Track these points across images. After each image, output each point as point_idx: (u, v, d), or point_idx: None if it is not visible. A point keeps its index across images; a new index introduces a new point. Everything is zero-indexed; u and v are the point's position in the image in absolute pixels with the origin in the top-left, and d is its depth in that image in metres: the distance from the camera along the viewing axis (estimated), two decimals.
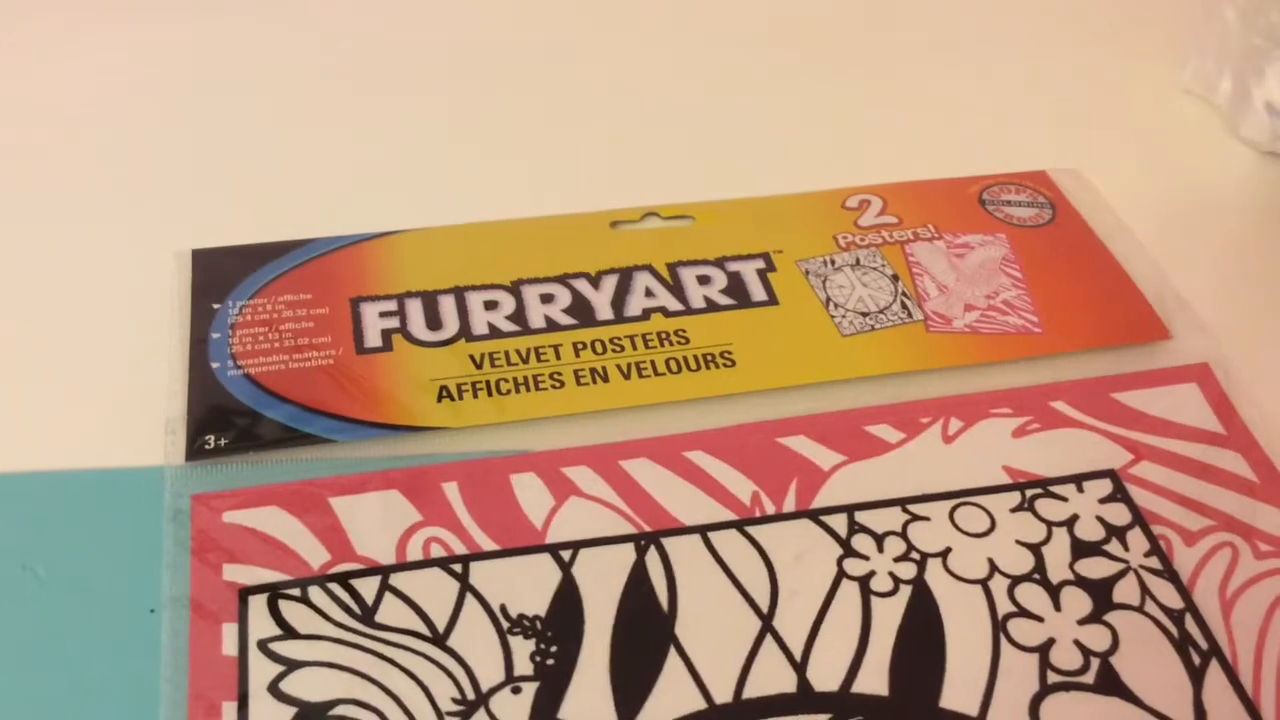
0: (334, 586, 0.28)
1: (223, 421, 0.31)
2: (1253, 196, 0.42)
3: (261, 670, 0.27)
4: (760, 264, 0.37)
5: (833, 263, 0.37)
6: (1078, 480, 0.32)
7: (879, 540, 0.30)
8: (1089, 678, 0.28)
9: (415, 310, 0.35)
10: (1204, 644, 0.28)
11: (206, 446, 0.31)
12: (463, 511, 0.30)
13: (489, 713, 0.26)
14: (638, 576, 0.29)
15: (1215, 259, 0.39)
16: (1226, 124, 0.44)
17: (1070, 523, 0.31)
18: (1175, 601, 0.29)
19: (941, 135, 0.43)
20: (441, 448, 0.32)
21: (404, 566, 0.29)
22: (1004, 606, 0.29)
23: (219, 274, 0.36)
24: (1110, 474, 0.32)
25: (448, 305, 0.35)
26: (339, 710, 0.26)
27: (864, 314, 0.35)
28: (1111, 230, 0.39)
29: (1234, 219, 0.41)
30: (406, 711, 0.26)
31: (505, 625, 0.28)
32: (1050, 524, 0.31)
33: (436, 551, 0.29)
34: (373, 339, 0.34)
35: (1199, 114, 0.45)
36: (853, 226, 0.39)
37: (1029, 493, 0.31)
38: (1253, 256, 0.39)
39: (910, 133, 0.44)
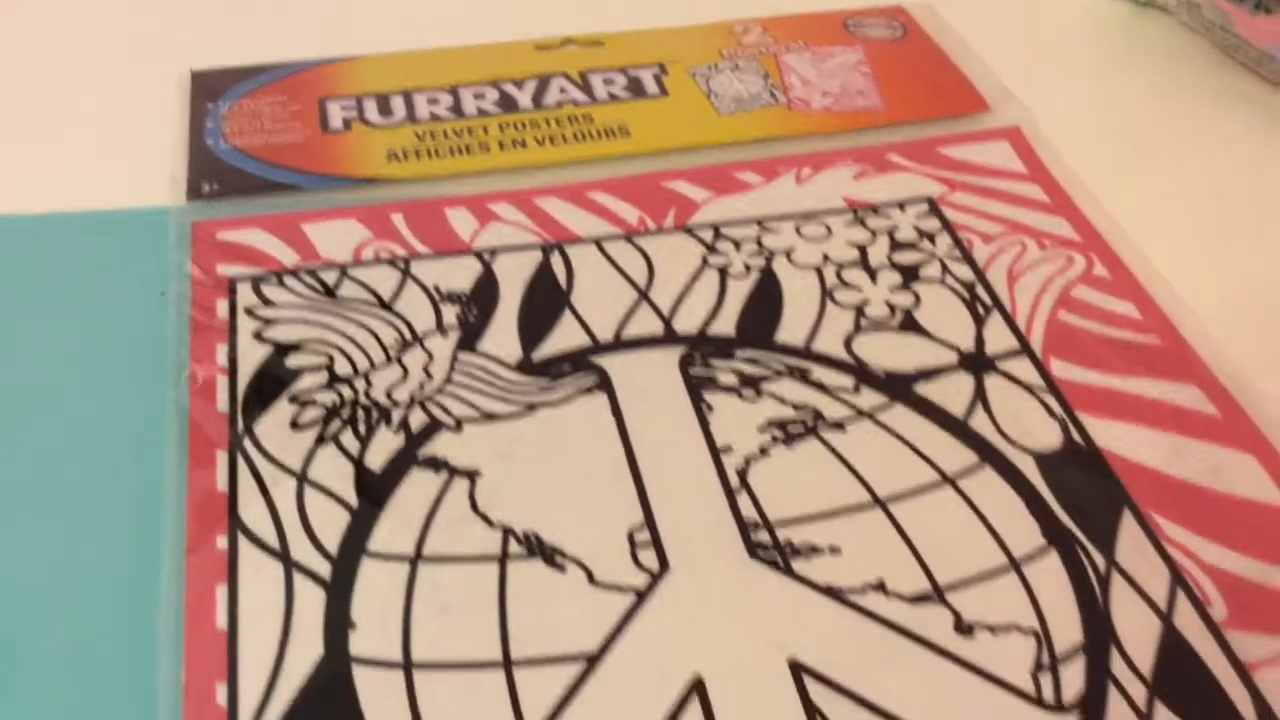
0: (303, 275, 0.36)
1: (216, 175, 0.39)
2: (1064, 18, 0.50)
3: (247, 327, 0.34)
4: (656, 71, 0.45)
5: (716, 68, 0.45)
6: (901, 204, 0.39)
7: (737, 244, 0.38)
8: (894, 323, 0.35)
9: (370, 105, 0.43)
10: (989, 301, 0.36)
11: (203, 190, 0.39)
12: (405, 231, 0.38)
13: (423, 346, 0.34)
14: (543, 269, 0.37)
15: (1034, 59, 0.47)
16: None
17: (891, 230, 0.38)
18: (969, 276, 0.37)
19: None
20: (390, 194, 0.40)
21: (358, 264, 0.37)
22: (832, 282, 0.37)
23: (214, 85, 0.44)
24: (928, 200, 0.40)
25: (397, 102, 0.43)
26: (308, 347, 0.34)
27: (738, 100, 0.43)
28: (951, 43, 0.47)
29: (1055, 36, 0.49)
30: (359, 347, 0.34)
31: (437, 297, 0.36)
32: (875, 231, 0.38)
33: (384, 255, 0.37)
34: (335, 123, 0.42)
35: None
36: (736, 45, 0.46)
37: (861, 213, 0.39)
38: (1065, 57, 0.48)
39: None
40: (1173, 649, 0.28)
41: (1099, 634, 0.28)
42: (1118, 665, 0.27)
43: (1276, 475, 0.31)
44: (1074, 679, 0.27)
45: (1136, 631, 0.28)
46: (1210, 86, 0.46)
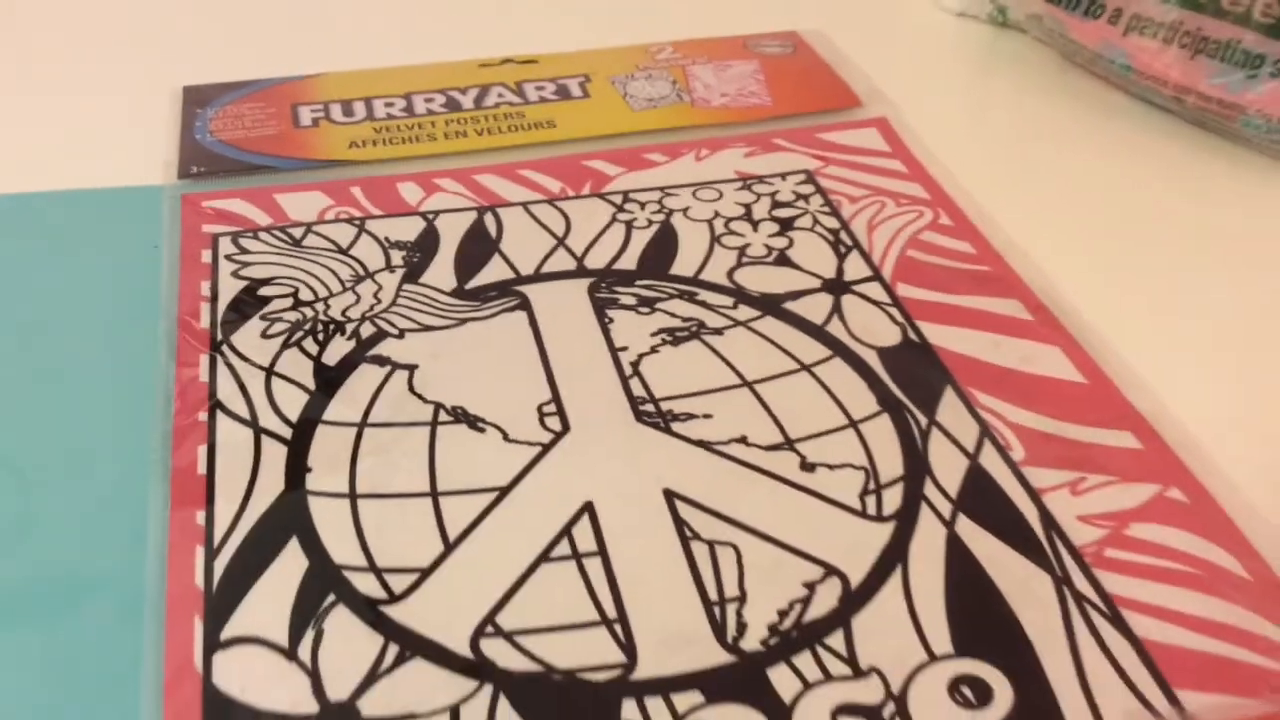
0: (275, 232, 0.43)
1: (203, 159, 0.47)
2: (937, 37, 0.58)
3: (226, 268, 0.41)
4: (581, 79, 0.53)
5: (632, 77, 0.53)
6: (783, 175, 0.47)
7: (642, 205, 0.45)
8: (770, 259, 0.42)
9: (335, 108, 0.50)
10: (850, 243, 0.43)
11: (191, 171, 0.46)
12: (362, 199, 0.45)
13: (373, 279, 0.41)
14: (478, 224, 0.44)
15: (905, 69, 0.55)
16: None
17: (773, 194, 0.46)
18: (835, 226, 0.44)
19: (697, 5, 0.59)
20: (350, 173, 0.47)
21: (321, 223, 0.43)
22: (720, 230, 0.44)
23: (203, 96, 0.51)
24: (806, 171, 0.47)
25: (358, 105, 0.50)
26: (276, 282, 0.40)
27: (650, 99, 0.51)
28: (834, 58, 0.55)
29: (925, 51, 0.57)
30: (320, 280, 0.40)
31: (387, 245, 0.42)
32: (759, 194, 0.46)
33: (344, 214, 0.44)
34: (305, 121, 0.49)
35: None
36: (651, 61, 0.54)
37: (748, 182, 0.46)
38: (931, 67, 0.55)
39: (690, 3, 0.60)
40: (976, 479, 0.34)
41: (917, 469, 0.34)
42: (930, 490, 0.33)
43: (1078, 362, 0.38)
44: (893, 500, 0.33)
45: (948, 467, 0.34)
46: (1054, 86, 0.54)
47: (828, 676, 0.29)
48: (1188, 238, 0.45)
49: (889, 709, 0.28)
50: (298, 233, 0.43)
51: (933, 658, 0.29)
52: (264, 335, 0.38)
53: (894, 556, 0.32)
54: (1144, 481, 0.34)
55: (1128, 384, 0.37)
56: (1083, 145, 0.50)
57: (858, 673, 0.29)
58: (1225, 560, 0.31)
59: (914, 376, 0.37)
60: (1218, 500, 0.33)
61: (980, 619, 0.30)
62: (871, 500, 0.33)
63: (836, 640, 0.30)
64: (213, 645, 0.29)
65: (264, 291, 0.40)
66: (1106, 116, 0.51)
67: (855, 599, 0.31)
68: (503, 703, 0.28)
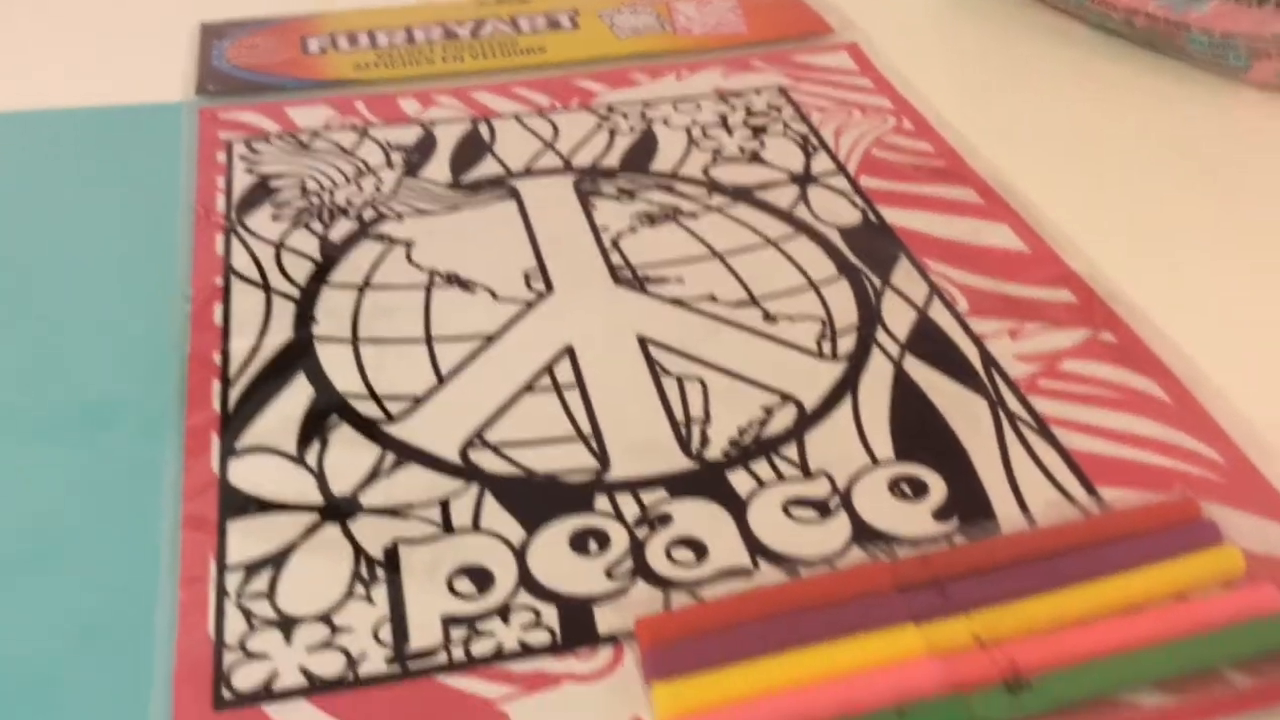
0: (285, 137, 0.46)
1: (219, 80, 0.50)
2: None
3: (240, 166, 0.44)
4: (571, 14, 0.56)
5: (618, 11, 0.56)
6: (758, 90, 0.50)
7: (625, 115, 0.48)
8: (743, 159, 0.45)
9: (341, 38, 0.54)
10: (817, 144, 0.46)
11: (209, 89, 0.49)
12: (365, 112, 0.48)
13: (375, 175, 0.44)
14: (472, 132, 0.47)
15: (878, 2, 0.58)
16: None
17: (748, 105, 0.49)
18: (805, 130, 0.47)
19: None
20: (355, 91, 0.50)
21: (327, 130, 0.47)
22: (697, 135, 0.47)
23: (220, 31, 0.55)
24: (779, 87, 0.50)
25: (363, 36, 0.54)
26: (286, 175, 0.44)
27: (634, 29, 0.54)
28: None
29: None
30: (326, 175, 0.44)
31: (388, 148, 0.46)
32: (735, 106, 0.49)
33: (349, 124, 0.47)
34: (313, 49, 0.53)
35: None
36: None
37: (726, 96, 0.50)
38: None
39: None
40: (924, 326, 0.37)
41: (869, 320, 0.37)
42: (881, 336, 0.37)
43: (1023, 236, 0.41)
44: (847, 344, 0.36)
45: (898, 318, 0.37)
46: (1016, 18, 0.57)
47: (780, 478, 0.32)
48: (1130, 138, 0.48)
49: (834, 502, 0.31)
50: (305, 138, 0.47)
51: (875, 462, 0.32)
52: (274, 219, 0.42)
53: (845, 387, 0.35)
54: (1078, 327, 0.37)
55: (1068, 252, 0.40)
56: (1039, 67, 0.53)
57: (808, 475, 0.32)
58: (1149, 387, 0.34)
59: (871, 249, 0.41)
60: (1145, 341, 0.36)
61: (920, 433, 0.33)
62: (827, 344, 0.36)
63: (790, 450, 0.33)
64: (229, 453, 0.32)
65: (274, 184, 0.44)
66: (1065, 44, 0.55)
67: (809, 419, 0.34)
68: (488, 498, 0.31)
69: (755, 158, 0.46)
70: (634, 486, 0.32)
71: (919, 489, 0.31)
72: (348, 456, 0.32)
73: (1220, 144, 0.47)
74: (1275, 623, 0.27)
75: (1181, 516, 0.29)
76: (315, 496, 0.31)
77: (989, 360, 0.36)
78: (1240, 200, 0.44)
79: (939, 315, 0.38)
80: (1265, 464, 0.32)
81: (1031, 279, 0.39)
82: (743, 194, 0.43)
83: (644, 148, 0.46)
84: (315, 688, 0.26)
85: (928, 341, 0.36)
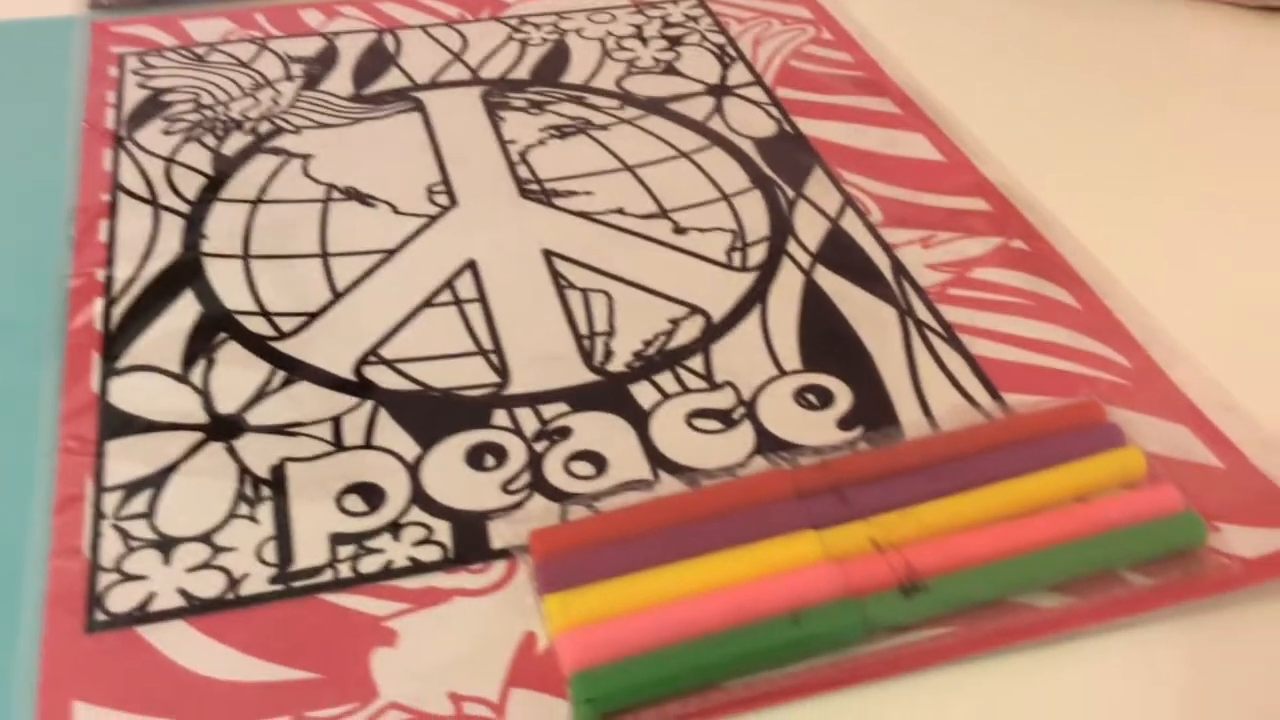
0: (180, 50, 0.44)
1: None
2: None
3: (132, 81, 0.43)
4: None
5: None
6: (675, 0, 0.49)
7: (537, 26, 0.47)
8: (658, 70, 0.44)
9: None
10: (734, 55, 0.45)
11: (102, 3, 0.47)
12: (265, 24, 0.47)
13: (273, 87, 0.42)
14: (377, 43, 0.45)
15: None
16: None
17: (665, 17, 0.48)
18: (722, 41, 0.46)
19: None
20: (255, 3, 0.48)
21: (225, 43, 0.45)
22: (612, 46, 0.45)
23: None
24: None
25: None
26: (179, 90, 0.42)
27: None
28: None
29: None
30: (221, 89, 0.42)
31: (287, 60, 0.44)
32: (651, 17, 0.48)
33: (248, 37, 0.45)
34: None
35: None
36: None
37: (641, 6, 0.48)
38: None
39: None
40: (836, 237, 0.36)
41: (781, 231, 0.36)
42: (792, 247, 0.36)
43: (939, 145, 0.40)
44: (758, 255, 0.36)
45: (810, 229, 0.36)
46: None
47: (685, 389, 0.31)
48: (1046, 45, 0.47)
49: (739, 412, 0.30)
50: (201, 51, 0.45)
51: (782, 373, 0.31)
52: (165, 133, 0.40)
53: (754, 298, 0.34)
54: (990, 235, 0.36)
55: (983, 161, 0.39)
56: None
57: (713, 386, 0.31)
58: (1058, 294, 0.34)
59: (786, 160, 0.40)
60: (1055, 247, 0.36)
61: (828, 343, 0.32)
62: (738, 255, 0.36)
63: (696, 363, 0.32)
64: (110, 373, 0.31)
65: (166, 98, 0.42)
66: None
67: (716, 331, 0.33)
68: (382, 414, 0.30)
69: (670, 69, 0.44)
70: (534, 401, 0.31)
71: (825, 398, 0.31)
72: (235, 374, 0.31)
73: (1142, 53, 0.47)
74: (1174, 522, 0.27)
75: (1085, 419, 0.29)
76: (200, 415, 0.30)
77: (900, 269, 0.35)
78: (1157, 108, 0.44)
79: (851, 225, 0.37)
80: (1171, 368, 0.32)
81: (946, 188, 0.38)
82: (656, 106, 0.42)
83: (556, 59, 0.45)
84: (194, 608, 0.25)
85: (839, 252, 0.36)
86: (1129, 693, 0.24)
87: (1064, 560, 0.25)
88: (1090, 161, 0.40)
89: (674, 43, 0.46)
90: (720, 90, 0.43)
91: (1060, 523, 0.26)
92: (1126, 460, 0.28)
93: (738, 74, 0.44)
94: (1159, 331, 0.33)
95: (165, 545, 0.27)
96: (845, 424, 0.30)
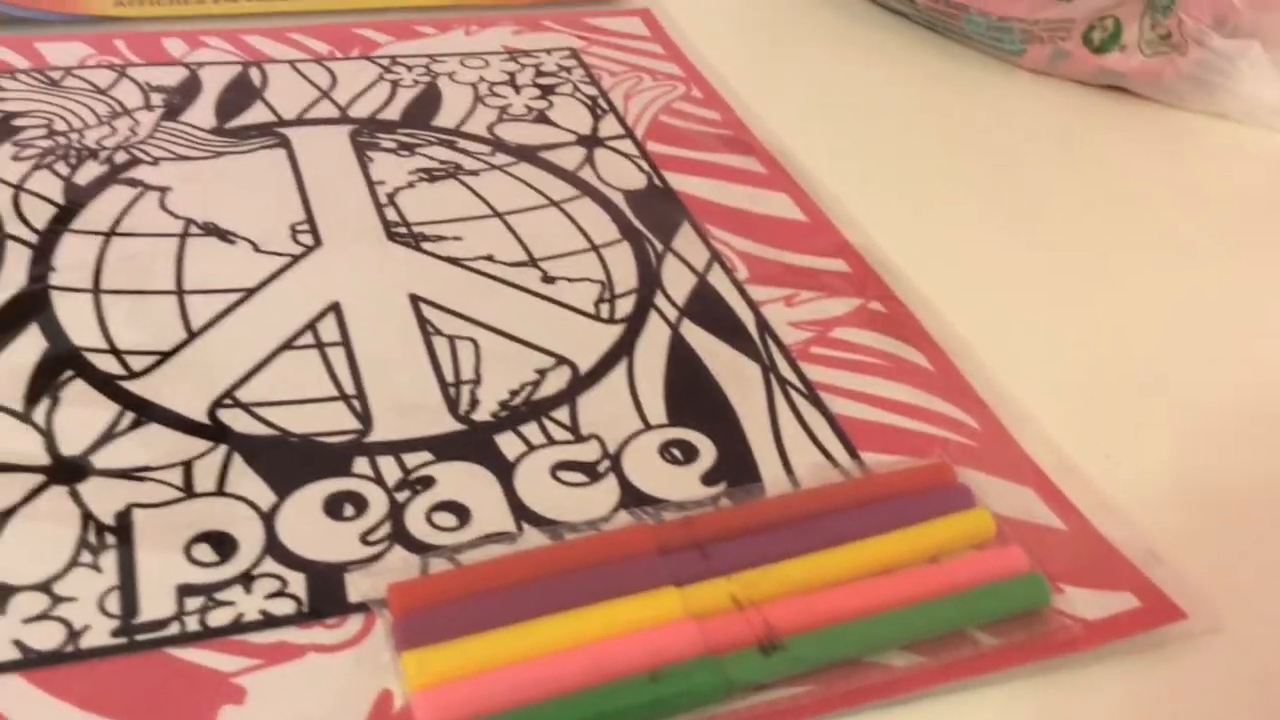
0: (33, 73, 0.43)
1: None
2: None
3: None
4: None
5: None
6: (549, 50, 0.49)
7: (409, 68, 0.46)
8: (530, 118, 0.44)
9: None
10: (606, 107, 0.46)
11: None
12: (125, 50, 0.45)
13: (131, 116, 0.41)
14: (242, 76, 0.44)
15: None
16: None
17: (538, 65, 0.48)
18: (594, 93, 0.46)
19: None
20: (116, 28, 0.47)
21: (81, 68, 0.43)
22: (484, 92, 0.45)
23: None
24: (570, 49, 0.49)
25: None
26: (31, 114, 0.40)
27: None
28: None
29: None
30: (76, 115, 0.41)
31: (147, 89, 0.43)
32: (524, 65, 0.48)
33: (106, 63, 0.44)
34: None
35: None
36: None
37: (515, 54, 0.48)
38: None
39: None
40: (703, 292, 0.37)
41: (649, 283, 0.37)
42: (660, 300, 0.36)
43: (802, 206, 0.41)
44: (626, 307, 0.36)
45: (678, 283, 0.37)
46: None
47: (550, 441, 0.31)
48: (909, 115, 0.49)
49: (604, 465, 0.30)
50: (56, 75, 0.43)
51: (648, 426, 0.32)
52: (15, 159, 0.38)
53: (621, 350, 0.34)
54: (850, 296, 0.37)
55: (844, 223, 0.41)
56: (827, 43, 0.54)
57: (579, 438, 0.31)
58: (913, 355, 0.35)
59: (655, 213, 0.40)
60: (910, 309, 0.37)
61: (693, 397, 0.33)
62: (606, 307, 0.36)
63: (562, 414, 0.32)
64: None
65: (17, 123, 0.40)
66: (850, 21, 0.56)
67: (582, 382, 0.33)
68: (236, 460, 0.29)
69: (542, 118, 0.45)
70: (397, 449, 0.30)
71: (689, 453, 0.31)
72: (81, 414, 0.30)
73: (993, 125, 0.49)
74: (1020, 584, 0.28)
75: (936, 480, 0.30)
76: (42, 457, 0.28)
77: (764, 326, 0.36)
78: (1009, 179, 0.46)
79: (718, 281, 0.37)
80: (1018, 430, 0.33)
81: (809, 248, 0.39)
82: (528, 153, 0.42)
83: (427, 102, 0.45)
84: (30, 661, 0.24)
85: (705, 306, 0.36)
86: None
87: (916, 620, 0.26)
88: (944, 227, 0.42)
89: (546, 91, 0.46)
90: (592, 141, 0.44)
91: (912, 583, 0.27)
92: (976, 522, 0.29)
93: (609, 126, 0.45)
94: (1005, 394, 0.34)
95: (1, 594, 0.25)
96: (709, 479, 0.30)
